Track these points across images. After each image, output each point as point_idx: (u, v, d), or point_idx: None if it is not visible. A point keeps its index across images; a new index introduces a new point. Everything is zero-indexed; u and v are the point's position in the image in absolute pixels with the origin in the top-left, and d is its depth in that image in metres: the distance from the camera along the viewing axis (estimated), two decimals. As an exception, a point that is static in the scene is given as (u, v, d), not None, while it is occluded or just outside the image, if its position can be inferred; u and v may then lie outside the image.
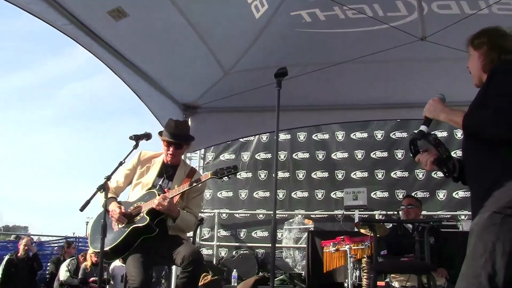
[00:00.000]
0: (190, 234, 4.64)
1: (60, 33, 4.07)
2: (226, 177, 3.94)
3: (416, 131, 2.55)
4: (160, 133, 4.29)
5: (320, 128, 9.63)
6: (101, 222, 3.64)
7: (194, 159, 9.93)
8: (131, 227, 3.92)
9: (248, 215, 9.72)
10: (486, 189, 2.27)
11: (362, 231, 5.59)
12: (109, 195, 4.00)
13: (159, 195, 3.95)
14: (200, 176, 4.12)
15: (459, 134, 8.44)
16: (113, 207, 4.02)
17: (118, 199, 4.23)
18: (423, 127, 2.56)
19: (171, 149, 4.18)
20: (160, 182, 4.17)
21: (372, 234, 5.06)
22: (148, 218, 3.91)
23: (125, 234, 3.92)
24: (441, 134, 8.80)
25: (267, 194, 9.66)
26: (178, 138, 4.21)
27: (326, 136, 9.73)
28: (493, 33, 2.56)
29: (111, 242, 3.88)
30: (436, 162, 2.54)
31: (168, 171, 4.24)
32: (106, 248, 3.79)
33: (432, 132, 2.57)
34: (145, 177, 4.22)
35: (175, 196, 3.99)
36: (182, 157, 4.45)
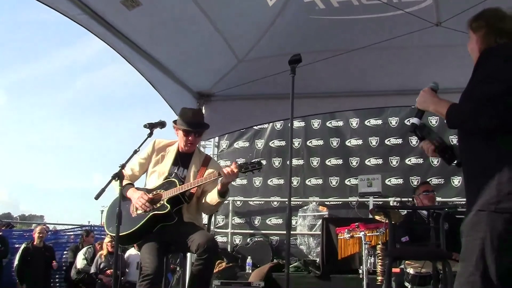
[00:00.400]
0: (205, 221, 4.66)
1: (73, 23, 4.10)
2: (250, 171, 3.93)
3: (410, 122, 2.57)
4: (175, 122, 4.31)
5: (334, 115, 9.61)
6: (117, 208, 3.65)
7: (208, 147, 9.94)
8: (151, 214, 3.94)
9: (263, 202, 9.76)
10: (474, 182, 2.27)
11: (377, 217, 5.58)
12: (125, 182, 4.01)
13: (179, 184, 4.00)
14: (218, 166, 4.20)
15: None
16: (138, 193, 4.04)
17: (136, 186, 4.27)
18: (414, 120, 2.59)
19: (190, 137, 4.19)
20: (175, 171, 4.19)
21: (387, 221, 5.06)
22: (169, 206, 3.94)
23: (144, 220, 3.94)
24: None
25: (282, 181, 9.69)
26: (197, 126, 4.23)
27: (340, 123, 9.71)
28: (492, 16, 2.49)
29: (129, 227, 3.91)
30: (437, 150, 2.56)
31: (183, 159, 4.26)
32: (123, 233, 3.80)
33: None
34: (160, 166, 4.24)
35: (198, 186, 4.03)
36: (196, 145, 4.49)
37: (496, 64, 2.25)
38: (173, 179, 4.07)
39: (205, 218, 4.65)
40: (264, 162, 4.12)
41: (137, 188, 4.16)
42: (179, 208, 4.05)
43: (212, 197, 4.06)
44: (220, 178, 3.96)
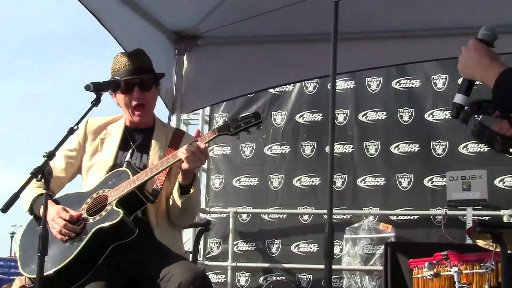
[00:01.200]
0: (188, 246, 4.63)
1: None
2: (243, 131, 4.01)
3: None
4: (110, 84, 4.19)
5: (404, 69, 9.63)
6: (38, 230, 3.53)
7: (194, 123, 10.09)
8: (93, 230, 3.95)
9: (284, 216, 9.85)
10: None
11: (481, 243, 5.61)
12: (37, 190, 4.07)
13: (133, 174, 4.07)
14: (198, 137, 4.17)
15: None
16: (51, 213, 4.01)
17: (56, 197, 4.32)
18: (457, 97, 2.68)
19: (135, 93, 4.29)
20: (127, 158, 4.32)
21: (498, 249, 5.01)
22: (121, 211, 3.95)
23: (82, 244, 3.92)
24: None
25: (316, 181, 9.78)
26: (142, 71, 4.34)
27: (416, 83, 9.72)
28: None
29: (58, 260, 3.93)
30: None
31: (136, 139, 4.40)
32: (50, 272, 3.80)
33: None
34: (100, 155, 4.39)
35: (160, 172, 4.12)
36: (161, 118, 4.61)
37: None
38: (123, 169, 4.19)
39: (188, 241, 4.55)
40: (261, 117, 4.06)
41: (59, 199, 4.26)
42: (141, 216, 4.14)
43: (173, 198, 4.22)
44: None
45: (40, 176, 3.51)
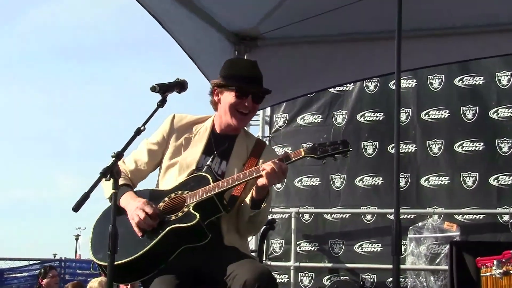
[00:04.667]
0: (251, 246, 4.77)
1: None
2: (330, 155, 4.02)
3: None
4: (218, 82, 4.40)
5: (467, 66, 9.62)
6: (109, 226, 3.68)
7: (254, 124, 10.11)
8: (168, 228, 4.04)
9: (347, 216, 9.92)
10: None
11: None
12: (121, 181, 4.03)
13: (213, 180, 4.12)
14: (276, 153, 4.29)
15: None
16: (136, 201, 4.15)
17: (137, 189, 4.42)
18: None
19: (247, 103, 4.33)
20: (208, 162, 4.35)
21: None
22: (197, 215, 4.02)
23: (156, 240, 4.03)
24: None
25: (379, 180, 9.82)
26: (259, 82, 4.39)
27: (479, 80, 9.71)
28: None
29: (131, 252, 4.02)
30: None
31: (220, 145, 4.41)
32: (120, 261, 3.91)
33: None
34: (184, 155, 4.41)
35: (241, 184, 4.16)
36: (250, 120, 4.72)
37: None
38: (204, 174, 4.21)
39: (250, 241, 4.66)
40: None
41: (138, 193, 4.29)
42: (214, 221, 4.17)
43: (243, 210, 4.25)
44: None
45: (109, 176, 3.63)
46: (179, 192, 4.18)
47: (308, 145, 4.08)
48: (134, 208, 4.07)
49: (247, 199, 4.18)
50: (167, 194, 4.22)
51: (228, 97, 4.33)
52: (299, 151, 4.04)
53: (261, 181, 3.99)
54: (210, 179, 4.12)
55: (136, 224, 4.06)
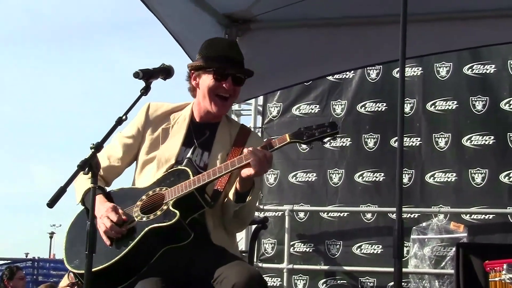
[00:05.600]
0: (241, 246, 4.52)
1: None
2: (317, 141, 3.99)
3: None
4: (196, 65, 4.32)
5: (478, 53, 9.51)
6: (86, 225, 3.59)
7: (246, 114, 10.28)
8: (146, 229, 3.97)
9: (345, 214, 9.84)
10: None
11: None
12: (88, 182, 4.00)
13: (194, 174, 4.08)
14: (263, 141, 4.24)
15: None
16: (101, 210, 4.07)
17: (110, 189, 4.35)
18: None
19: (226, 84, 4.25)
20: (188, 155, 4.30)
21: None
22: (177, 213, 3.95)
23: (135, 242, 3.96)
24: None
25: (380, 176, 9.75)
26: (241, 64, 4.35)
27: (491, 68, 9.60)
28: None
29: (106, 257, 3.97)
30: None
31: (201, 135, 4.36)
32: (98, 268, 3.83)
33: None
34: (162, 148, 4.36)
35: (223, 175, 4.11)
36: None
37: None
38: (184, 168, 4.17)
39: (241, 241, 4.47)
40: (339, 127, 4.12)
41: (112, 194, 4.29)
42: (198, 218, 4.12)
43: (228, 204, 4.22)
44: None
45: (87, 169, 3.56)
46: (157, 189, 4.14)
47: (293, 130, 4.04)
48: (100, 216, 4.03)
49: (231, 193, 4.19)
50: (144, 192, 4.17)
51: (206, 81, 4.29)
52: (284, 136, 4.00)
53: (245, 171, 3.98)
54: (190, 173, 4.08)
55: (103, 233, 4.00)
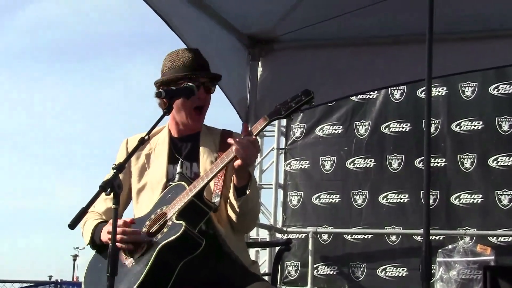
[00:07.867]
0: (264, 269, 4.59)
1: None
2: (295, 110, 3.96)
3: None
4: (163, 81, 4.30)
5: (504, 72, 9.48)
6: (101, 267, 3.73)
7: (269, 135, 10.17)
8: (158, 248, 3.93)
9: (369, 237, 9.85)
10: None
11: None
12: (97, 221, 4.14)
13: (188, 184, 4.07)
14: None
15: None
16: (107, 226, 4.10)
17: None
18: None
19: (199, 95, 4.23)
20: (178, 170, 4.33)
21: None
22: (183, 223, 3.94)
23: (150, 264, 3.92)
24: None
25: (404, 198, 9.72)
26: (206, 68, 4.36)
27: None
28: None
29: (128, 283, 3.97)
30: None
31: (184, 148, 4.39)
32: None
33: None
34: (150, 173, 4.39)
35: (216, 175, 4.09)
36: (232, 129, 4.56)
37: None
38: (178, 182, 4.20)
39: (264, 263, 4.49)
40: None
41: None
42: (205, 229, 4.11)
43: (230, 203, 4.19)
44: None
45: (109, 190, 3.53)
46: (158, 210, 4.12)
47: (270, 110, 4.02)
48: (106, 229, 4.06)
49: (231, 193, 4.13)
50: (147, 217, 4.14)
51: (178, 101, 4.24)
52: (263, 118, 3.99)
53: (237, 162, 3.95)
54: (185, 185, 4.07)
55: (123, 244, 4.00)
